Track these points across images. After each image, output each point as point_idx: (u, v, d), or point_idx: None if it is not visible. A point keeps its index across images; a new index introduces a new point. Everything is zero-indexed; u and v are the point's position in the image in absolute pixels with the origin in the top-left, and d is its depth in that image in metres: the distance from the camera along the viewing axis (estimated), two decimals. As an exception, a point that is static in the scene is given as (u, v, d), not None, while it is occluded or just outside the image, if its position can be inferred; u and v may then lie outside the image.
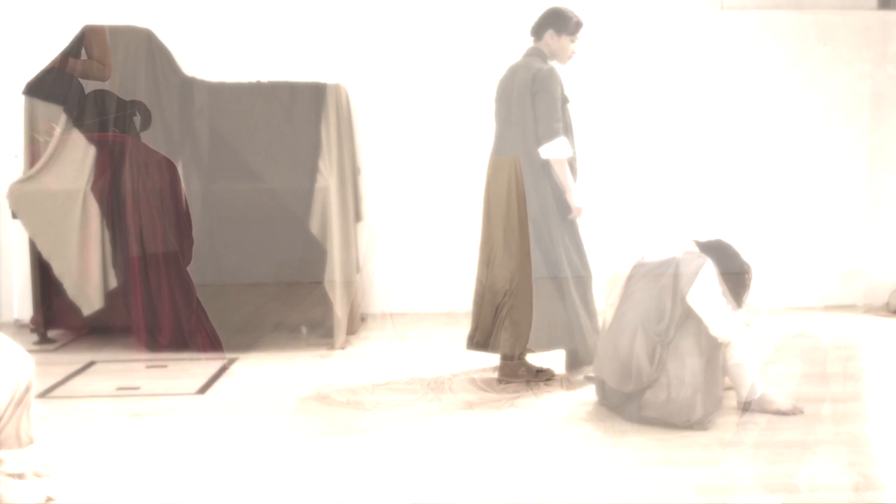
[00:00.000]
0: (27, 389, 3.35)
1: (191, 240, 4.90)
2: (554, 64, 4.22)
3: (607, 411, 3.79)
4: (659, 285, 3.75)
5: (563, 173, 4.12)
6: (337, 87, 5.27)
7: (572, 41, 4.22)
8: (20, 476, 3.16)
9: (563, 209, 4.15)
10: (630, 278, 3.85)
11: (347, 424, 3.69)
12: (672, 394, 3.61)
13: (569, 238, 4.20)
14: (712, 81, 5.62)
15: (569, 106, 4.19)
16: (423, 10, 5.56)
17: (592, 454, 3.37)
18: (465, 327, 5.31)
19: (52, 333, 4.94)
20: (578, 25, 4.23)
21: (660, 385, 3.65)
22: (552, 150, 4.11)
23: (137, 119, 4.98)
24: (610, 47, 5.47)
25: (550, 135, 4.09)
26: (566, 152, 4.12)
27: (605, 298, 3.94)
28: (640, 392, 3.67)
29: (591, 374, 4.04)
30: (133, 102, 4.95)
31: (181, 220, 4.90)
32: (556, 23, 4.20)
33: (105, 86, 4.95)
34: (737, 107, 5.68)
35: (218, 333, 4.82)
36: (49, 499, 3.05)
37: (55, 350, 4.79)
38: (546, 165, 4.13)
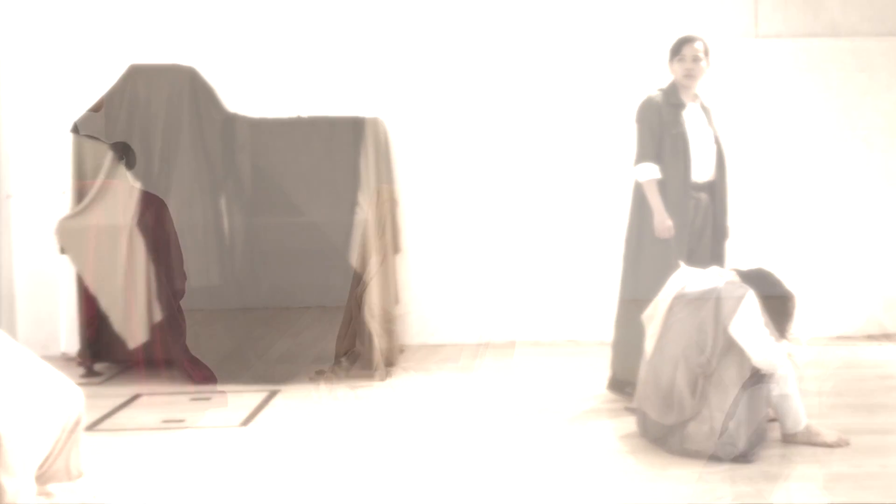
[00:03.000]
0: (77, 423, 3.42)
1: (183, 275, 4.92)
2: (679, 85, 4.37)
3: (649, 444, 3.76)
4: (700, 316, 3.73)
5: (649, 195, 4.29)
6: (375, 121, 5.34)
7: (680, 60, 4.35)
8: (70, 509, 3.22)
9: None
10: (670, 309, 3.84)
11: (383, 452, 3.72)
12: (715, 426, 3.58)
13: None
14: (748, 110, 5.61)
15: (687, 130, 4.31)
16: (459, 44, 5.63)
17: (635, 488, 3.35)
18: (504, 356, 5.33)
19: (98, 366, 5.02)
20: (680, 45, 4.37)
21: (702, 417, 3.62)
22: (637, 174, 4.35)
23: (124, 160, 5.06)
24: (645, 76, 5.49)
25: (636, 160, 4.36)
26: (644, 176, 4.30)
27: (645, 329, 3.94)
28: (683, 424, 3.65)
29: (633, 406, 4.03)
30: (116, 145, 5.03)
31: (172, 256, 4.92)
32: (670, 53, 4.42)
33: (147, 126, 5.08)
34: (773, 135, 5.66)
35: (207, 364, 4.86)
36: (98, 530, 3.12)
37: (101, 383, 4.86)
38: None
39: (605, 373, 4.54)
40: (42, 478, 3.25)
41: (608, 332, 4.69)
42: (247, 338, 4.92)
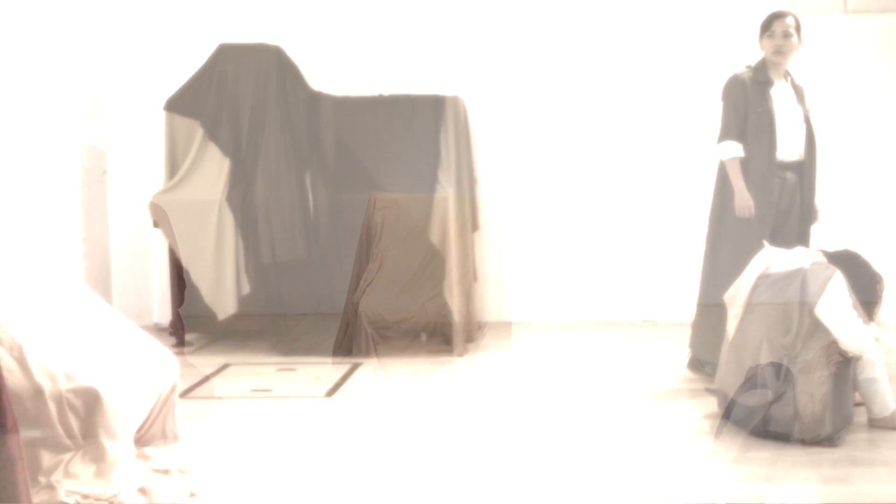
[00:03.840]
0: (172, 389, 3.58)
1: None
2: (769, 62, 4.30)
3: (731, 425, 3.75)
4: (785, 297, 3.69)
5: (730, 174, 4.27)
6: (455, 100, 5.38)
7: (770, 36, 4.29)
8: (166, 472, 3.36)
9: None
10: (754, 289, 3.80)
11: (480, 429, 3.79)
12: (800, 408, 3.55)
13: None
14: (837, 86, 5.47)
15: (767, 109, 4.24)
16: (538, 21, 5.61)
17: (717, 468, 3.35)
18: (581, 336, 5.34)
19: (188, 337, 5.22)
20: (770, 20, 4.31)
21: (786, 399, 3.59)
22: (719, 152, 4.33)
23: None
24: (733, 53, 5.40)
25: (720, 138, 4.33)
26: (726, 154, 4.28)
27: (728, 310, 3.91)
28: (766, 406, 3.62)
29: (714, 387, 4.01)
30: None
31: None
32: (760, 29, 4.36)
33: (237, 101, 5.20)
34: (862, 112, 5.51)
35: None
36: (192, 494, 3.22)
37: (192, 353, 5.05)
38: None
39: (683, 353, 4.52)
40: (140, 441, 3.42)
41: (685, 313, 4.67)
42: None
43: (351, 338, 4.91)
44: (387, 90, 5.47)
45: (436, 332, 5.10)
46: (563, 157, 5.66)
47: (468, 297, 5.27)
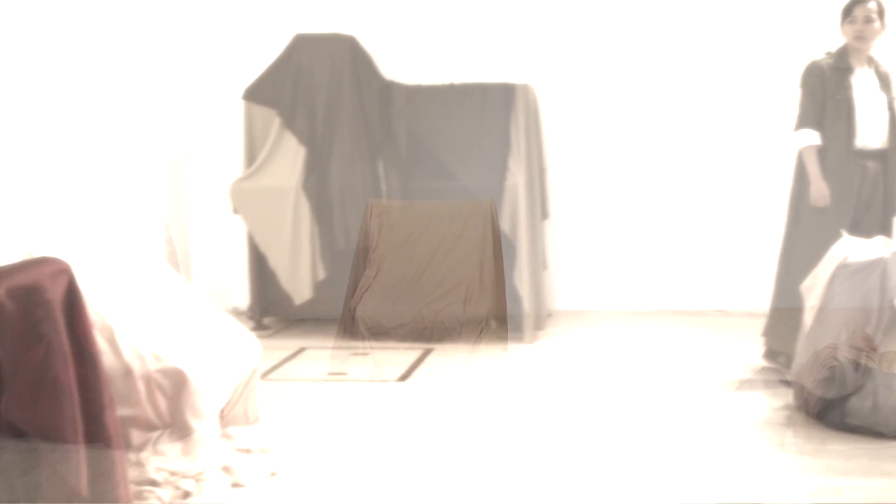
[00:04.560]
0: (254, 371, 3.68)
1: None
2: (850, 48, 4.23)
3: (807, 417, 3.71)
4: (865, 287, 3.63)
5: (806, 162, 4.22)
6: (525, 88, 5.39)
7: (851, 21, 4.22)
8: (248, 451, 3.47)
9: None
10: (832, 279, 3.75)
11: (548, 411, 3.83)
12: (879, 401, 3.50)
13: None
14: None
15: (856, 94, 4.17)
16: (609, 8, 5.58)
17: (792, 461, 3.32)
18: (651, 325, 5.33)
19: (266, 320, 5.36)
20: (852, 5, 4.23)
21: (865, 392, 3.54)
22: (796, 140, 4.28)
23: None
24: (816, 39, 5.31)
25: (796, 125, 4.28)
26: (803, 142, 4.23)
27: (805, 300, 3.87)
28: (844, 398, 3.58)
29: (789, 378, 3.98)
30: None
31: None
32: (841, 15, 4.29)
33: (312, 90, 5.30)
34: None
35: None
36: (273, 474, 3.32)
37: (269, 336, 5.18)
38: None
39: (756, 344, 4.49)
40: (223, 421, 3.53)
41: (757, 303, 4.61)
42: (402, 297, 5.11)
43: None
44: (458, 79, 5.50)
45: (505, 319, 5.15)
46: (634, 144, 5.62)
47: (537, 285, 5.29)
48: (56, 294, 2.44)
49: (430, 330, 5.04)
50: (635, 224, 5.64)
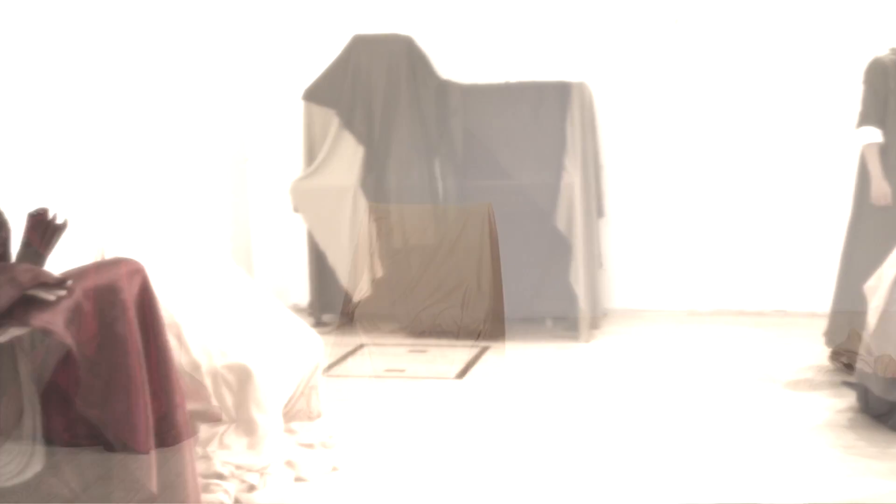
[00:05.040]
0: (316, 367, 3.75)
1: None
2: None
3: (871, 420, 3.67)
4: (931, 289, 3.58)
5: (868, 160, 4.18)
6: (581, 86, 5.38)
7: None
8: (310, 447, 3.54)
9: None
10: (897, 281, 3.70)
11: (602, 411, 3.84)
12: (946, 404, 3.45)
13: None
14: None
15: None
16: (665, 4, 5.55)
17: (855, 464, 3.29)
18: (709, 325, 5.29)
19: (325, 317, 5.44)
20: None
21: (931, 395, 3.49)
22: (858, 138, 4.24)
23: None
24: (880, 36, 5.22)
25: (858, 122, 4.24)
26: (865, 140, 4.18)
27: (868, 301, 3.82)
28: (908, 401, 3.53)
29: (852, 380, 3.93)
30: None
31: None
32: None
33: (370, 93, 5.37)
34: None
35: None
36: (334, 468, 3.39)
37: (328, 333, 5.26)
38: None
39: (817, 344, 4.44)
40: (286, 416, 3.60)
41: (818, 303, 4.55)
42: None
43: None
44: (513, 77, 5.52)
45: (561, 318, 5.16)
46: (691, 142, 5.58)
47: (593, 283, 5.30)
48: (130, 294, 2.53)
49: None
50: (693, 222, 5.60)
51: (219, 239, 5.32)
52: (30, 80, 3.73)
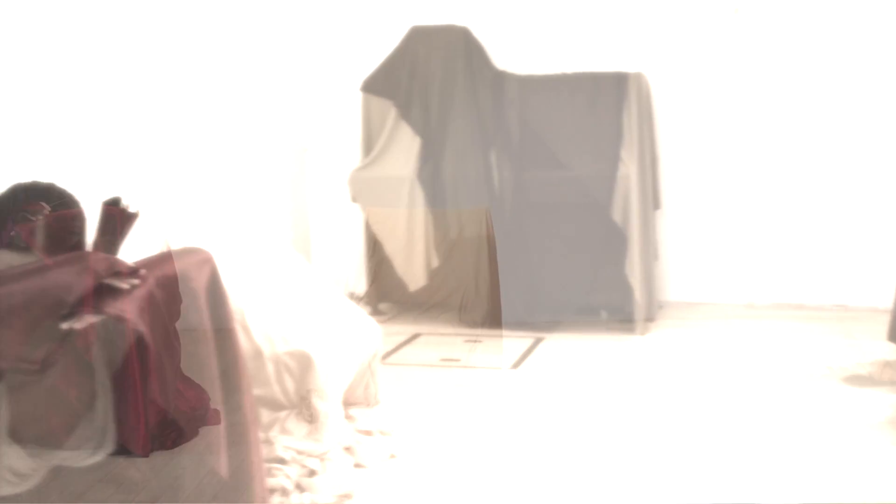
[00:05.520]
0: (375, 355, 3.82)
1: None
2: None
3: (934, 418, 3.62)
4: None
5: None
6: (638, 76, 5.35)
7: None
8: (368, 433, 3.61)
9: None
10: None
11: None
12: None
13: None
14: None
15: None
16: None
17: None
18: (766, 319, 5.25)
19: (382, 306, 5.51)
20: None
21: None
22: None
23: None
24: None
25: None
26: None
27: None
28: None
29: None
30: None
31: None
32: None
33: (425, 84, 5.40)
34: None
35: None
36: (392, 456, 3.44)
37: (384, 322, 5.32)
38: None
39: (878, 340, 4.37)
40: (345, 403, 3.67)
41: (880, 298, 4.47)
42: (512, 285, 5.18)
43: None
44: (570, 68, 5.51)
45: (616, 310, 5.15)
46: (750, 133, 5.52)
47: (649, 275, 5.27)
48: (200, 283, 2.60)
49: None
50: (751, 215, 5.54)
51: (278, 228, 5.41)
52: (103, 72, 3.83)
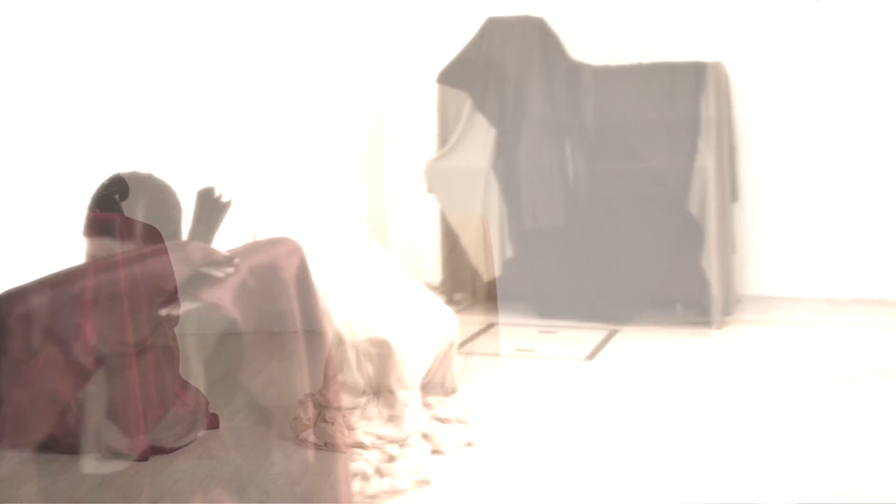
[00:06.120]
0: (451, 344, 3.87)
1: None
2: None
3: None
4: None
5: None
6: (717, 66, 5.28)
7: None
8: (446, 421, 3.66)
9: None
10: None
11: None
12: None
13: None
14: None
15: None
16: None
17: None
18: (847, 314, 5.14)
19: (457, 296, 5.57)
20: None
21: None
22: None
23: None
24: None
25: None
26: None
27: None
28: None
29: None
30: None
31: None
32: None
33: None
34: None
35: None
36: (469, 444, 3.48)
37: (459, 311, 5.37)
38: None
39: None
40: (423, 390, 3.73)
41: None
42: (586, 276, 5.19)
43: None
44: (646, 58, 5.46)
45: (692, 303, 5.11)
46: (830, 124, 5.40)
47: (726, 268, 5.22)
48: (290, 272, 2.69)
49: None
50: (832, 207, 5.43)
51: (357, 218, 5.51)
52: (203, 67, 3.96)
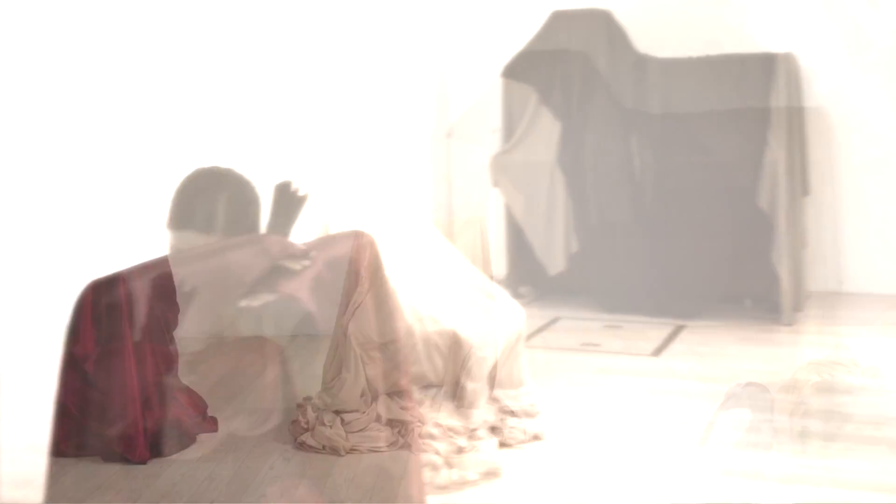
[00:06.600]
0: (519, 337, 3.89)
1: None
2: None
3: None
4: None
5: None
6: (788, 57, 5.19)
7: None
8: (513, 414, 3.68)
9: None
10: None
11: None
12: None
13: None
14: None
15: None
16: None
17: None
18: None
19: (522, 289, 5.56)
20: None
21: None
22: None
23: None
24: None
25: None
26: None
27: None
28: None
29: None
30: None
31: None
32: None
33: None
34: None
35: None
36: (536, 437, 3.50)
37: (524, 305, 5.38)
38: None
39: None
40: (490, 383, 3.77)
41: None
42: (652, 271, 5.15)
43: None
44: (714, 50, 5.39)
45: (761, 299, 5.05)
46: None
47: (796, 264, 5.14)
48: (363, 264, 2.74)
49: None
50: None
51: (424, 211, 5.55)
52: (279, 66, 4.04)
